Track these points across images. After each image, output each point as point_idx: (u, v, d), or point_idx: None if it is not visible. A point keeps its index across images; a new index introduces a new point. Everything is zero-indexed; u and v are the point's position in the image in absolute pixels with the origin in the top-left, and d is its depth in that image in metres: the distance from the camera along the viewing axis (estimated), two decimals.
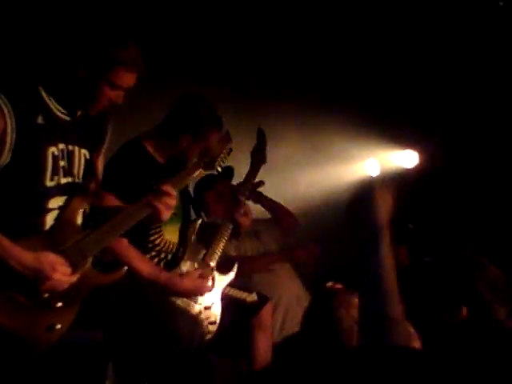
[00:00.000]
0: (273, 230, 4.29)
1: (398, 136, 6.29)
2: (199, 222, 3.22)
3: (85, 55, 2.30)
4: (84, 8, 3.81)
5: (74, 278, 2.27)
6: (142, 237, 2.96)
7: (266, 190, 4.36)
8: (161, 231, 3.07)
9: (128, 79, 2.34)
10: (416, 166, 6.34)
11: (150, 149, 3.08)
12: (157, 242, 3.06)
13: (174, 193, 2.47)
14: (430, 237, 5.68)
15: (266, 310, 3.45)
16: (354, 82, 5.84)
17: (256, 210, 4.23)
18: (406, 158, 6.38)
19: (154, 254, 3.04)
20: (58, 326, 2.26)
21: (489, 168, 5.65)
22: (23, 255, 2.17)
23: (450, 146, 6.01)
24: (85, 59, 2.30)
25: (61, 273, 2.22)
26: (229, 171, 3.71)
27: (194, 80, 4.66)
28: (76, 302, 2.33)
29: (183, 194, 3.16)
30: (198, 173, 2.75)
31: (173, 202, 2.46)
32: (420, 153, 6.34)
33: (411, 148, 6.36)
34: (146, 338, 2.52)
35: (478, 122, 5.71)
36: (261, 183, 3.89)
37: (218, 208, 4.03)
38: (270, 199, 4.25)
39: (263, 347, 3.39)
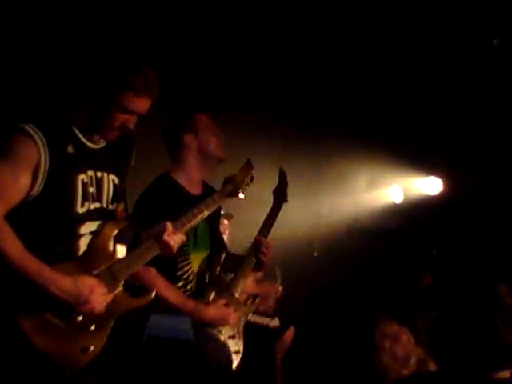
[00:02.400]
0: None
1: (422, 163, 6.31)
2: (224, 254, 3.28)
3: (97, 80, 2.37)
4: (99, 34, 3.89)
5: (109, 299, 2.34)
6: (171, 265, 3.02)
7: (289, 215, 4.40)
8: (190, 260, 3.13)
9: (139, 104, 2.37)
10: (440, 193, 6.35)
11: (181, 181, 3.14)
12: (185, 269, 3.11)
13: (180, 236, 2.54)
14: (454, 263, 5.66)
15: (288, 335, 3.47)
16: (378, 111, 5.89)
17: None
18: (430, 185, 6.40)
19: (181, 283, 3.09)
20: (92, 348, 2.31)
21: None
22: (62, 281, 2.24)
23: (474, 173, 6.01)
24: (97, 84, 2.37)
25: (98, 294, 2.29)
26: None
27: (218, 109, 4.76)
28: (108, 324, 2.38)
29: (211, 224, 3.23)
30: (221, 201, 2.87)
31: (176, 245, 2.52)
32: (444, 179, 6.35)
33: (435, 175, 6.37)
34: (174, 362, 2.55)
35: (503, 149, 5.71)
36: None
37: None
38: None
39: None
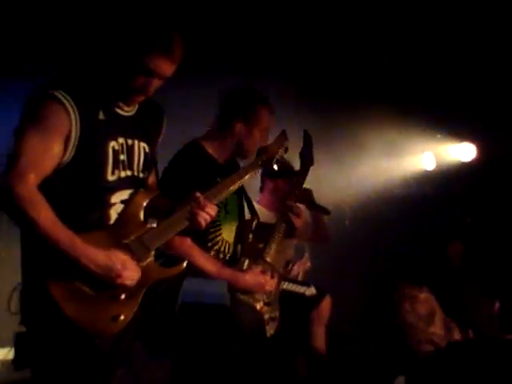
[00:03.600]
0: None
1: (455, 129, 6.20)
2: (255, 221, 3.26)
3: (118, 44, 2.34)
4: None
5: (140, 273, 2.33)
6: (201, 235, 3.00)
7: (320, 182, 4.36)
8: (220, 230, 3.12)
9: (164, 66, 2.33)
10: (474, 159, 6.24)
11: (210, 150, 3.13)
12: (216, 239, 3.11)
13: (212, 207, 2.50)
14: (487, 232, 5.59)
15: (325, 303, 3.46)
16: (409, 78, 5.79)
17: None
18: (464, 151, 6.28)
19: (213, 253, 3.09)
20: (122, 317, 2.31)
21: None
22: (95, 254, 2.24)
23: (508, 139, 5.89)
24: (118, 49, 2.34)
25: (130, 270, 2.29)
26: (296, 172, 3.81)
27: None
28: (138, 293, 2.37)
29: (239, 193, 3.20)
30: (254, 172, 2.84)
31: (212, 213, 2.50)
32: (478, 146, 6.24)
33: (469, 141, 6.26)
34: (207, 329, 2.54)
35: None
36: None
37: (269, 199, 4.09)
38: (319, 209, 4.22)
39: (322, 340, 3.40)
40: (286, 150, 2.98)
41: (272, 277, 3.15)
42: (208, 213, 2.48)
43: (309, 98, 5.76)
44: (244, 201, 3.32)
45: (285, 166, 4.10)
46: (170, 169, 3.02)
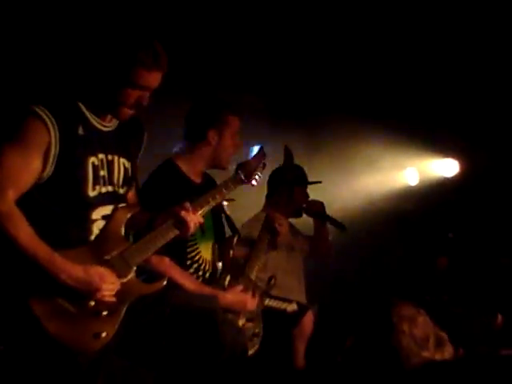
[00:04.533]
0: (306, 248, 4.31)
1: (439, 145, 6.25)
2: (236, 237, 3.27)
3: (106, 58, 2.34)
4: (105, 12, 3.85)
5: (119, 286, 2.33)
6: (180, 253, 3.02)
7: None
8: (198, 247, 3.13)
9: (151, 79, 2.34)
10: (456, 175, 6.29)
11: (184, 168, 3.15)
12: (195, 258, 3.12)
13: (199, 217, 2.52)
14: (470, 246, 5.62)
15: (307, 319, 3.46)
16: (393, 93, 5.84)
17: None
18: (447, 167, 6.33)
19: (192, 271, 3.09)
20: (104, 334, 2.30)
21: None
22: (73, 270, 2.24)
23: (490, 154, 5.94)
24: (106, 62, 2.34)
25: (109, 283, 2.30)
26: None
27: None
28: (120, 310, 2.36)
29: (215, 210, 3.20)
30: (233, 188, 2.86)
31: (201, 220, 2.52)
32: (461, 161, 6.29)
33: (452, 157, 6.31)
34: (189, 345, 2.53)
35: None
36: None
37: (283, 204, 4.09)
38: (333, 223, 4.24)
39: (303, 356, 3.40)
40: (264, 166, 3.00)
41: (253, 295, 3.15)
42: (198, 219, 2.49)
43: (293, 113, 5.79)
44: (223, 219, 3.33)
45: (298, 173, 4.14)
46: (146, 189, 3.01)
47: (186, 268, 3.05)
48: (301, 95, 5.73)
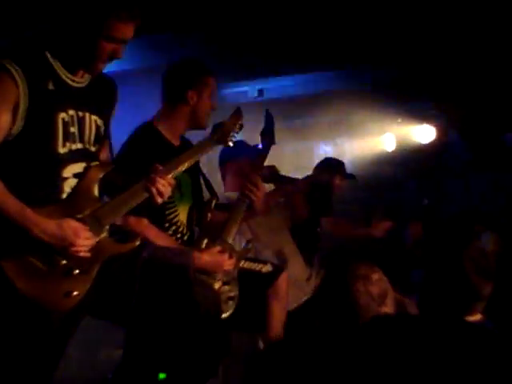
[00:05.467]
0: (283, 212, 4.31)
1: (416, 111, 6.27)
2: (215, 200, 3.26)
3: (78, 11, 2.29)
4: None
5: (95, 242, 2.31)
6: (159, 215, 3.01)
7: (281, 161, 4.39)
8: (176, 210, 3.12)
9: (123, 31, 2.31)
10: (433, 141, 6.33)
11: (164, 131, 3.14)
12: (173, 220, 3.11)
13: (170, 180, 2.49)
14: (445, 213, 5.68)
15: (282, 280, 3.48)
16: (373, 58, 5.82)
17: None
18: (423, 133, 6.37)
19: (170, 233, 3.09)
20: (75, 293, 2.29)
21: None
22: (47, 224, 2.21)
23: (467, 120, 5.98)
24: (78, 16, 2.29)
25: (83, 238, 2.27)
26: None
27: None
28: (92, 269, 2.35)
29: (193, 173, 3.20)
30: (209, 148, 2.84)
31: (167, 189, 2.48)
32: (437, 127, 6.33)
33: (428, 123, 6.34)
34: (161, 302, 2.52)
35: (496, 94, 5.67)
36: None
37: (234, 182, 4.08)
38: (287, 181, 4.27)
39: (279, 316, 3.42)
40: (241, 127, 2.96)
41: (230, 256, 3.16)
42: (169, 182, 2.47)
43: (267, 76, 5.76)
44: (202, 181, 3.32)
45: (244, 144, 4.14)
46: (125, 152, 3.00)
47: (164, 230, 3.04)
48: (282, 59, 5.68)
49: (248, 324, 3.42)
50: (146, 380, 2.54)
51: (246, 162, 3.99)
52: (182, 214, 3.16)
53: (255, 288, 3.38)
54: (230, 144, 2.92)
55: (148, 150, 2.98)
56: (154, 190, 2.43)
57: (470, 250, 2.02)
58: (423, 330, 1.75)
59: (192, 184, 3.24)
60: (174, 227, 3.11)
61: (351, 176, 5.19)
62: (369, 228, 4.86)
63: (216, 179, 4.02)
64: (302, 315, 3.60)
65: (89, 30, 2.28)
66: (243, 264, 3.41)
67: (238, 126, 2.94)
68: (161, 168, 2.48)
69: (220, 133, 2.87)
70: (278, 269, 3.53)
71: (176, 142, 3.17)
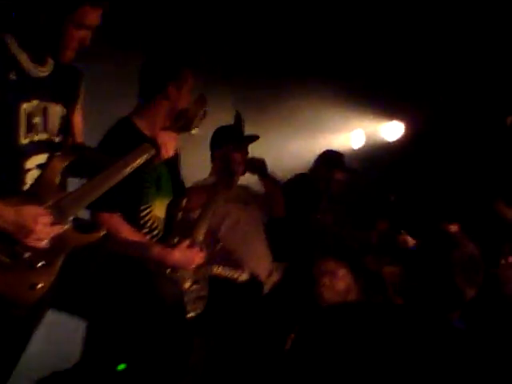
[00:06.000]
0: (262, 205, 4.31)
1: (384, 107, 6.31)
2: (184, 200, 3.25)
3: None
4: None
5: (56, 230, 2.27)
6: (133, 213, 3.00)
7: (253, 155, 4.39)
8: (151, 208, 3.10)
9: (93, 17, 2.29)
10: (401, 137, 6.39)
11: (141, 125, 3.09)
12: (147, 218, 3.09)
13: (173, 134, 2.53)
14: (411, 209, 5.72)
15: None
16: (340, 54, 5.85)
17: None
18: (392, 130, 6.42)
19: (146, 230, 3.07)
20: (40, 285, 2.26)
21: (474, 139, 5.70)
22: (4, 211, 2.17)
23: (435, 117, 6.04)
24: (47, 3, 2.26)
25: (43, 224, 2.22)
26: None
27: None
28: (56, 261, 2.32)
29: (173, 168, 3.18)
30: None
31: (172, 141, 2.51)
32: (406, 124, 6.38)
33: (397, 119, 6.39)
34: (124, 295, 2.50)
35: (464, 92, 5.74)
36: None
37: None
38: (274, 182, 4.27)
39: None
40: (205, 114, 2.88)
41: (201, 250, 3.14)
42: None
43: (240, 72, 5.76)
44: (180, 173, 3.30)
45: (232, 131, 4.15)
46: (101, 146, 2.97)
47: (139, 227, 3.03)
48: (250, 54, 5.69)
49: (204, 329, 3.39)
50: (106, 372, 2.52)
51: (230, 150, 4.03)
52: (158, 210, 3.13)
53: (225, 296, 3.37)
54: (194, 132, 2.85)
55: (123, 145, 2.95)
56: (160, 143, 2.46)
57: (458, 254, 2.06)
58: (381, 316, 1.77)
59: (172, 179, 3.21)
60: (148, 223, 3.09)
61: (352, 170, 5.17)
62: None
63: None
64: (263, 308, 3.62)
65: (58, 17, 2.26)
66: (218, 269, 3.41)
67: (202, 112, 2.87)
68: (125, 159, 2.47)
69: (184, 120, 2.81)
70: (256, 281, 3.51)
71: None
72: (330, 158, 5.25)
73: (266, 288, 3.86)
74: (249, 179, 4.37)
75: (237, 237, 4.01)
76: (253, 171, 4.23)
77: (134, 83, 3.23)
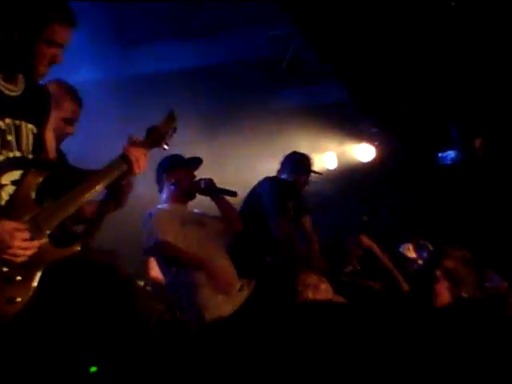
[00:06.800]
0: (218, 225, 4.33)
1: (356, 130, 6.43)
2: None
3: (18, 17, 2.32)
4: None
5: (33, 244, 2.30)
6: None
7: (224, 176, 4.46)
8: None
9: (66, 35, 2.37)
10: (373, 160, 6.50)
11: None
12: None
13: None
14: (386, 228, 5.81)
15: None
16: (317, 79, 5.95)
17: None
18: (363, 152, 6.55)
19: None
20: (18, 299, 2.28)
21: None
22: None
23: (407, 140, 6.16)
24: (18, 21, 2.32)
25: (20, 239, 2.25)
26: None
27: None
28: (34, 275, 2.34)
29: None
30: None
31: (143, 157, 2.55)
32: (377, 146, 6.50)
33: (368, 142, 6.52)
34: (105, 314, 2.54)
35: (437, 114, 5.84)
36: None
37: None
38: (225, 193, 4.34)
39: None
40: (175, 130, 2.86)
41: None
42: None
43: (210, 89, 5.81)
44: None
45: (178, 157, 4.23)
46: None
47: None
48: (220, 71, 5.74)
49: None
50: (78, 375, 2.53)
51: (183, 175, 4.11)
52: None
53: None
54: (166, 147, 2.82)
55: None
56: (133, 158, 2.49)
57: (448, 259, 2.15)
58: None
59: None
60: None
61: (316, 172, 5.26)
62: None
63: None
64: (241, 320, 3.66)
65: (30, 35, 2.32)
66: None
67: (172, 129, 2.85)
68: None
69: (155, 136, 2.76)
70: None
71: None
72: (297, 161, 5.30)
73: (236, 304, 3.92)
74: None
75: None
76: (203, 194, 4.27)
77: None
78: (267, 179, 5.18)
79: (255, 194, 5.08)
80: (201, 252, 4.02)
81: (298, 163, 5.28)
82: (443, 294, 2.69)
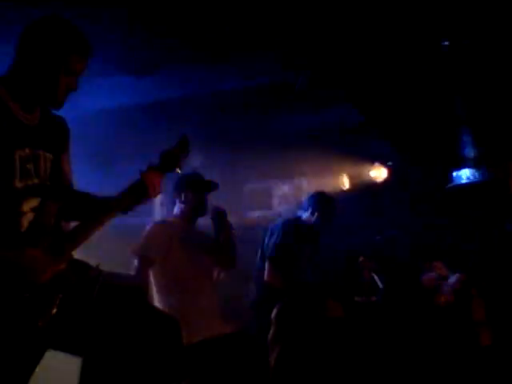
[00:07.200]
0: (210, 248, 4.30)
1: (368, 151, 6.47)
2: None
3: (39, 49, 2.43)
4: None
5: (53, 270, 2.38)
6: None
7: (241, 198, 4.48)
8: None
9: (83, 65, 2.50)
10: (384, 180, 6.54)
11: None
12: None
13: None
14: (397, 249, 5.83)
15: None
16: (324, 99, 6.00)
17: None
18: (375, 172, 6.59)
19: None
20: (39, 324, 2.33)
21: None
22: (5, 253, 2.29)
23: (418, 160, 6.19)
24: (39, 53, 2.43)
25: (41, 265, 2.33)
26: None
27: None
28: (54, 300, 2.39)
29: None
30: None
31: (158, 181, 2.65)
32: (388, 167, 6.54)
33: (380, 162, 6.56)
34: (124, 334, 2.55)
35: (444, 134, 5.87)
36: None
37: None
38: (230, 236, 4.28)
39: None
40: (187, 154, 2.90)
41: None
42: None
43: (210, 109, 5.88)
44: None
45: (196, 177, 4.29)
46: None
47: None
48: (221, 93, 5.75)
49: None
50: None
51: (191, 197, 4.22)
52: None
53: None
54: (179, 171, 2.88)
55: None
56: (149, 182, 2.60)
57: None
58: None
59: None
60: None
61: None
62: None
63: None
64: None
65: (51, 66, 2.43)
66: None
67: (184, 153, 2.90)
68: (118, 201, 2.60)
69: (167, 160, 2.82)
70: None
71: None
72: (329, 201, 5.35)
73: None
74: None
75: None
76: (211, 217, 4.26)
77: None
78: (285, 219, 5.25)
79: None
80: (189, 273, 4.08)
81: (323, 205, 5.28)
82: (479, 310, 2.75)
